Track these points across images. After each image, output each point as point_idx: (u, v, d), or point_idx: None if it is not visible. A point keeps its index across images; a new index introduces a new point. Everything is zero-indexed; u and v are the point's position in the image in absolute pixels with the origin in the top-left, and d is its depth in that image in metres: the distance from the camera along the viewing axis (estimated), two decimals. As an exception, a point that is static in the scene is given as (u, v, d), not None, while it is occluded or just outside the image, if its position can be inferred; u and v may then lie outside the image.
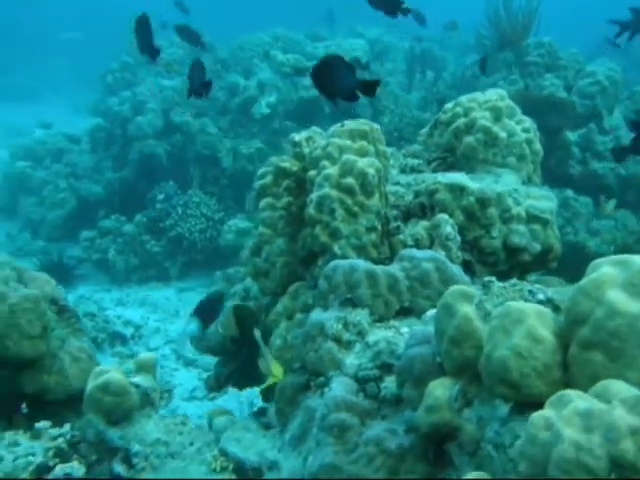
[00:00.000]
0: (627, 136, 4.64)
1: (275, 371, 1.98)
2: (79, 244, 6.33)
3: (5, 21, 15.53)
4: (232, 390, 3.25)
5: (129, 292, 5.87)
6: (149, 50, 3.05)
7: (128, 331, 4.94)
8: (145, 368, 2.16)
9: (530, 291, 1.53)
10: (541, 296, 1.51)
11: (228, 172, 6.46)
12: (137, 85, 7.13)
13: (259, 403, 3.32)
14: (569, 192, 4.37)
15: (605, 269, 1.07)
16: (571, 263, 2.63)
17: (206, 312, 2.30)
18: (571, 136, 4.47)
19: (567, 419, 0.87)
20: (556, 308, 1.51)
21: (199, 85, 2.91)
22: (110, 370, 2.01)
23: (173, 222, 6.04)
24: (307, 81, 6.47)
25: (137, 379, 2.11)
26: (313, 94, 6.35)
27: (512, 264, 2.24)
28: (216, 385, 3.07)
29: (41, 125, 9.56)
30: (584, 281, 1.08)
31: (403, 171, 2.46)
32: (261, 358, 2.05)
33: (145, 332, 5.01)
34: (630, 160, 4.32)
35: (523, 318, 1.13)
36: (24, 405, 2.21)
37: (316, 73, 2.18)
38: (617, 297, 1.01)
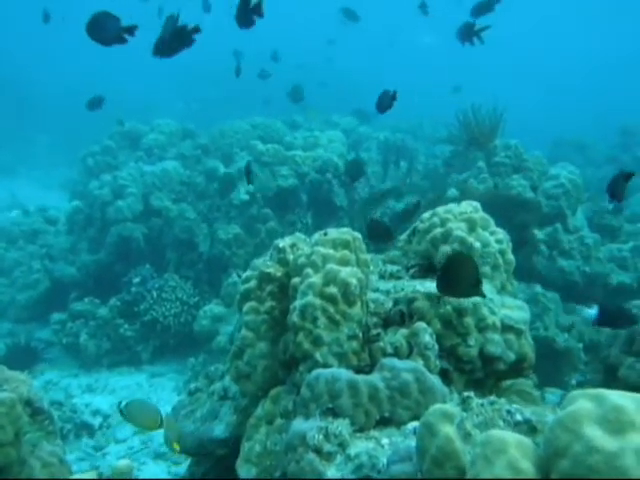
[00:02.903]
0: (589, 236, 4.89)
1: None
2: (49, 327, 6.22)
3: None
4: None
5: (98, 377, 5.73)
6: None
7: (96, 421, 4.79)
8: (120, 475, 2.11)
9: (508, 411, 1.59)
10: (519, 417, 1.56)
11: (205, 256, 6.50)
12: (118, 169, 7.23)
13: (232, 505, 3.23)
14: (538, 288, 4.51)
15: (581, 403, 1.13)
16: (542, 358, 2.70)
17: None
18: (539, 234, 4.67)
19: None
20: (533, 429, 1.57)
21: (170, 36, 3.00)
22: None
23: (148, 306, 6.00)
24: (285, 171, 6.68)
25: (112, 487, 2.06)
26: (291, 183, 6.55)
27: (487, 372, 2.29)
28: (189, 486, 2.98)
29: (17, 206, 9.55)
30: (562, 415, 1.14)
31: (382, 277, 2.54)
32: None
33: (114, 422, 4.86)
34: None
35: (505, 448, 1.18)
36: None
37: (89, 27, 2.93)
38: (594, 433, 1.06)
